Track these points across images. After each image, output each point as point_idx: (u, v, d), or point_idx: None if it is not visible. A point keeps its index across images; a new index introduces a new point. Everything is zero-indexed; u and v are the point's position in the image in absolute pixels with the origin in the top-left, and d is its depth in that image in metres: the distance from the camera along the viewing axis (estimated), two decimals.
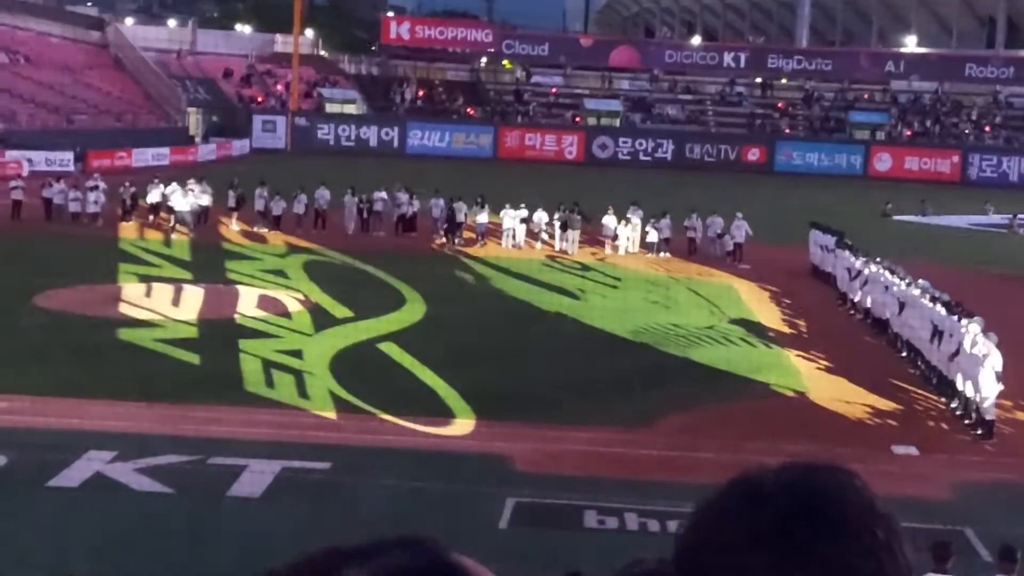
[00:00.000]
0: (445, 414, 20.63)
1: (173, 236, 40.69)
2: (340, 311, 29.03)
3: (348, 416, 20.45)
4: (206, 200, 43.66)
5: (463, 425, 20.15)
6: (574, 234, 41.05)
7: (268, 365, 24.17)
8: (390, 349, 25.13)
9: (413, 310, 29.77)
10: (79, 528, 14.86)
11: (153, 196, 43.70)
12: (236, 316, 28.92)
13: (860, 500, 1.40)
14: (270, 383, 22.98)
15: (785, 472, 1.43)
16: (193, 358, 24.73)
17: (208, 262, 35.77)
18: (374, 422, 19.97)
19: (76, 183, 45.15)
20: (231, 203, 43.48)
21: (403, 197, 43.25)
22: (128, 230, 41.86)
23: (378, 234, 42.35)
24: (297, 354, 25.04)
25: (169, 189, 43.34)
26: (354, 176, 48.97)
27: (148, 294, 31.21)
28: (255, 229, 42.26)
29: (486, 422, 20.16)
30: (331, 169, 53.94)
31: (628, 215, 41.95)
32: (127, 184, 44.47)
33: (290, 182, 45.18)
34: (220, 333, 27.09)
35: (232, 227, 42.93)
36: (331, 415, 20.68)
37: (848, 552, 1.35)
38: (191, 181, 44.22)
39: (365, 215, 42.99)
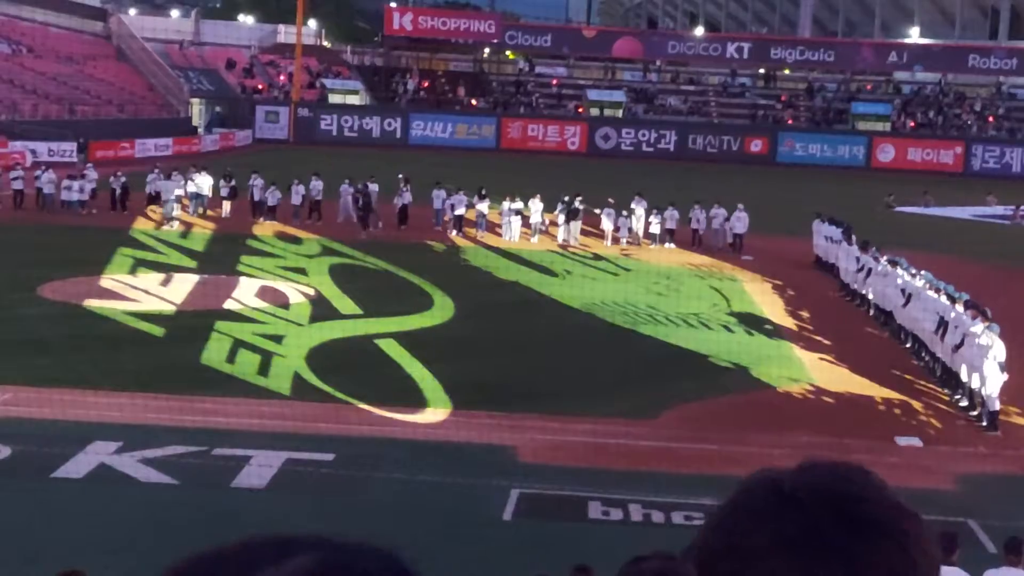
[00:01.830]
0: (418, 404, 20.61)
1: (175, 226, 40.59)
2: (348, 307, 28.65)
3: (310, 399, 20.66)
4: (205, 189, 43.80)
5: (434, 414, 20.13)
6: (576, 225, 41.01)
7: (238, 344, 24.57)
8: (387, 345, 24.78)
9: (440, 312, 28.69)
10: (84, 520, 14.87)
11: (153, 186, 43.86)
12: (227, 301, 28.98)
13: (886, 498, 1.39)
14: (231, 359, 23.44)
15: (805, 472, 1.41)
16: (157, 331, 25.09)
17: (222, 254, 35.55)
18: (356, 411, 19.99)
19: (70, 173, 45.16)
20: (224, 193, 43.52)
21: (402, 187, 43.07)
22: (130, 219, 41.75)
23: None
24: (277, 339, 25.19)
25: (158, 177, 43.68)
26: (355, 167, 48.89)
27: (150, 282, 31.34)
28: (255, 220, 42.26)
29: (462, 413, 20.13)
30: (332, 160, 53.98)
31: (632, 205, 41.89)
32: (117, 174, 44.52)
33: (293, 173, 45.14)
34: (201, 314, 27.40)
35: (225, 215, 43.04)
36: (285, 393, 21.04)
37: (881, 551, 1.33)
38: (191, 169, 44.35)
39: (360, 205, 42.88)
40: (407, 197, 42.54)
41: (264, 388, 21.42)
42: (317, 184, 43.30)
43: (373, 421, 19.55)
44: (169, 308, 28.06)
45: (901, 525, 1.37)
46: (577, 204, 41.15)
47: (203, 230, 40.65)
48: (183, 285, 31.00)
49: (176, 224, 40.70)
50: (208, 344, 24.40)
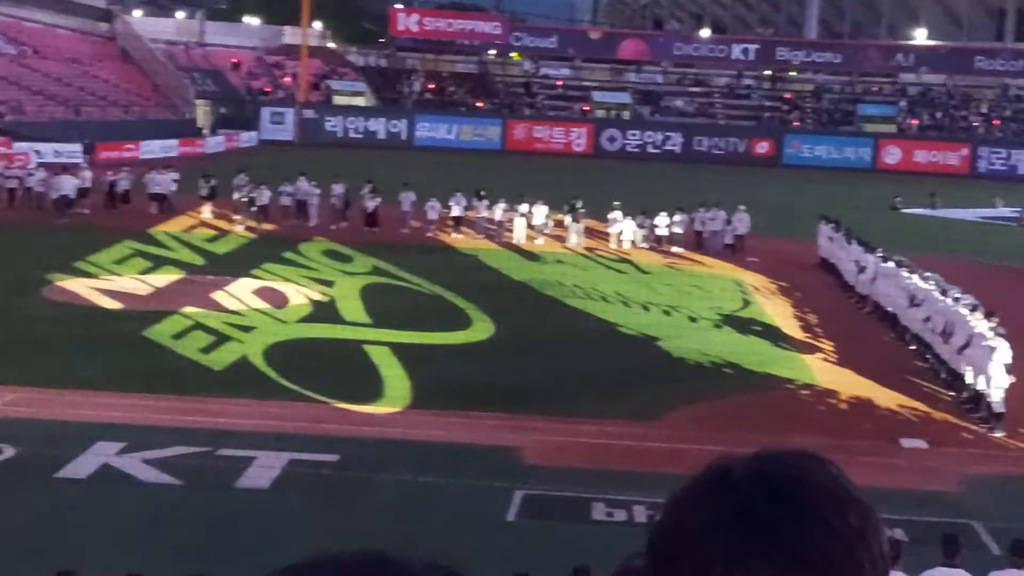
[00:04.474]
0: (371, 399, 20.75)
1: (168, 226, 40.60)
2: (355, 316, 27.74)
3: (246, 382, 21.33)
4: (172, 187, 43.92)
5: (382, 408, 20.36)
6: (578, 227, 40.80)
7: (197, 327, 25.06)
8: (375, 350, 24.26)
9: (475, 334, 26.63)
10: (87, 520, 14.87)
11: (123, 184, 44.29)
12: (216, 293, 29.06)
13: (829, 486, 1.39)
14: (179, 337, 24.10)
15: (754, 459, 1.42)
16: (115, 305, 25.56)
17: (244, 259, 34.68)
18: (358, 413, 20.00)
19: (57, 171, 45.44)
20: (203, 192, 43.24)
21: (366, 190, 42.02)
22: (123, 219, 41.52)
23: (340, 225, 41.37)
24: (245, 329, 25.35)
25: (127, 177, 44.20)
26: (352, 168, 48.73)
27: (135, 270, 31.90)
28: (236, 219, 41.91)
29: (422, 411, 20.21)
30: (334, 161, 53.92)
31: (636, 215, 41.40)
32: (108, 173, 44.77)
33: (294, 174, 44.87)
34: (176, 300, 27.81)
35: (205, 216, 42.54)
36: (216, 369, 21.98)
37: (813, 536, 1.33)
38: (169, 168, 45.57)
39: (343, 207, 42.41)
40: (373, 202, 41.53)
41: (197, 363, 22.27)
42: (302, 184, 43.00)
43: (377, 422, 19.54)
44: (144, 289, 28.30)
45: (839, 511, 1.36)
46: (579, 207, 41.02)
47: (240, 236, 39.51)
48: (172, 275, 31.30)
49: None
50: (163, 321, 24.70)
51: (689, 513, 1.38)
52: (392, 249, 36.71)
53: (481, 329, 26.99)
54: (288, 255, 35.40)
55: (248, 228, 40.45)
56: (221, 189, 43.20)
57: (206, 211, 42.94)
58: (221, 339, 24.29)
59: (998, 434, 20.11)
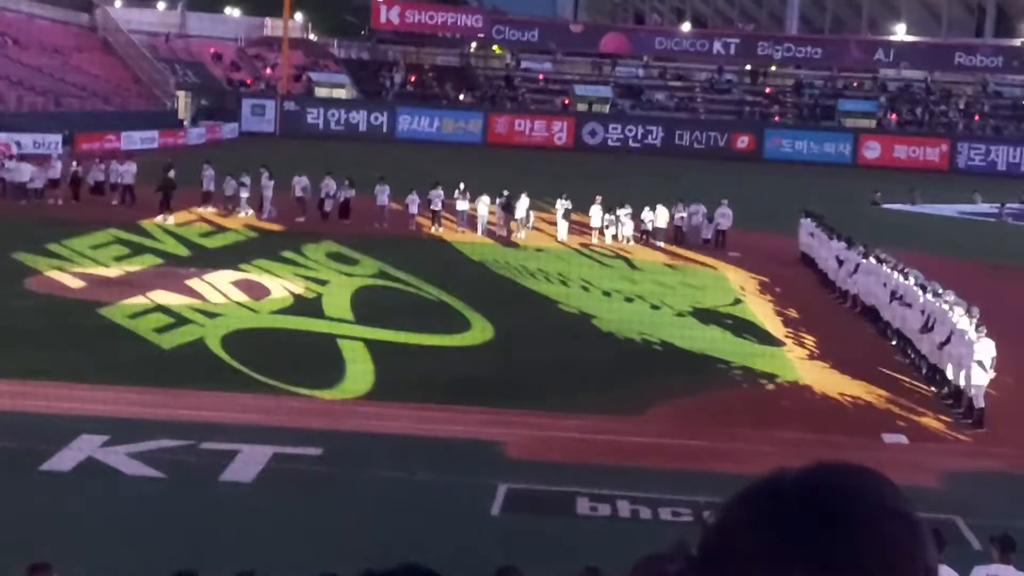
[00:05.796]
0: (327, 386, 20.95)
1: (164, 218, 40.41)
2: (338, 312, 27.19)
3: (200, 365, 21.73)
4: (130, 179, 43.72)
5: (336, 395, 20.66)
6: (512, 220, 40.79)
7: (158, 309, 25.33)
8: (347, 344, 24.03)
9: (471, 338, 25.77)
10: (71, 513, 14.83)
11: (96, 175, 44.49)
12: (190, 280, 29.09)
13: (877, 499, 1.42)
14: (135, 317, 24.43)
15: (810, 469, 1.46)
16: (77, 283, 26.35)
17: (234, 253, 34.14)
18: (344, 406, 20.02)
19: (20, 159, 45.73)
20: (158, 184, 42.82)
21: (331, 183, 42.00)
22: (91, 210, 41.13)
23: (300, 219, 40.66)
24: (211, 315, 25.46)
25: (99, 169, 44.60)
26: (335, 161, 48.61)
27: (110, 256, 31.99)
28: (202, 210, 41.46)
29: (379, 401, 20.36)
30: (313, 153, 53.79)
31: (617, 210, 41.25)
32: (74, 163, 44.95)
33: (280, 167, 44.66)
34: (147, 287, 27.92)
35: (207, 211, 42.22)
36: (165, 347, 22.61)
37: (850, 545, 1.36)
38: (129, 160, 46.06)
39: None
40: (343, 194, 41.50)
41: (148, 342, 22.79)
42: (262, 177, 42.31)
43: (362, 415, 19.55)
44: (117, 274, 28.38)
45: (882, 525, 1.39)
46: (506, 197, 41.08)
47: (237, 233, 38.50)
48: (150, 263, 31.36)
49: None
50: (122, 302, 24.73)
51: (735, 514, 1.43)
52: (387, 246, 36.28)
53: (479, 332, 26.29)
54: (287, 254, 33.97)
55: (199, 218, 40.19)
56: (180, 180, 41.78)
57: (210, 208, 42.29)
58: (180, 321, 24.50)
59: (978, 430, 20.24)
